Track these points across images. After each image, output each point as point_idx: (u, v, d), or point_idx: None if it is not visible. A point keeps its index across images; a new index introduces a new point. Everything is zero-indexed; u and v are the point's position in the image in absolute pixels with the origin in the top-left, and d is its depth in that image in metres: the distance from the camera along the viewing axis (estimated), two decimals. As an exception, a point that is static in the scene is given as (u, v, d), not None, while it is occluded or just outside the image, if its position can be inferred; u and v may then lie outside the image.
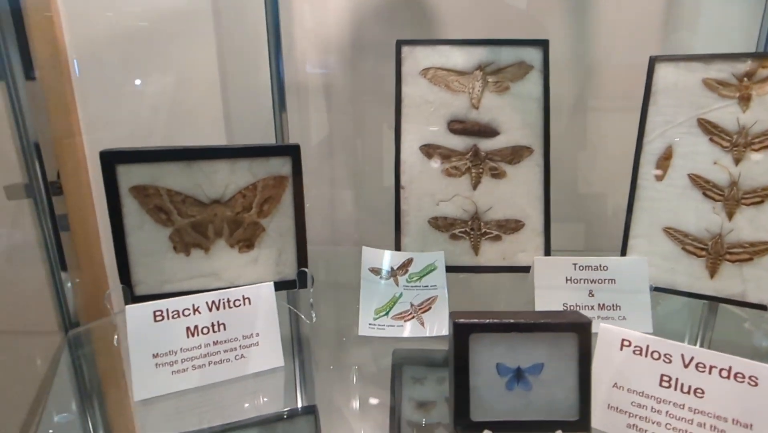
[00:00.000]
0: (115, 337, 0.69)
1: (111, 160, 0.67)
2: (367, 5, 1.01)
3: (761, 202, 0.72)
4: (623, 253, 0.81)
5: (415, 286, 0.76)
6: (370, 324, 0.73)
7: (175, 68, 1.05)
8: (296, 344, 0.77)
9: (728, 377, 0.49)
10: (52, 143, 0.92)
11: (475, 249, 0.83)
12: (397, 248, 0.83)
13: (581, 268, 0.74)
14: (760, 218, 0.72)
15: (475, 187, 0.83)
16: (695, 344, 0.65)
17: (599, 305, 0.73)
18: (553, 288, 0.73)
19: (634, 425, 0.52)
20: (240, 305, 0.65)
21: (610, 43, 0.98)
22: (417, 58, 0.82)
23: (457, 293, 0.79)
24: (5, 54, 0.77)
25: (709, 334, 0.79)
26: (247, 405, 0.62)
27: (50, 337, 0.77)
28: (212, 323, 0.63)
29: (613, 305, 0.73)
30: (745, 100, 0.73)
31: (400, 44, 0.82)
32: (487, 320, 0.47)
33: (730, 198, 0.74)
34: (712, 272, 0.75)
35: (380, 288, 0.76)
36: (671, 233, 0.78)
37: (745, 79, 0.73)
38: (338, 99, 1.09)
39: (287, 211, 0.75)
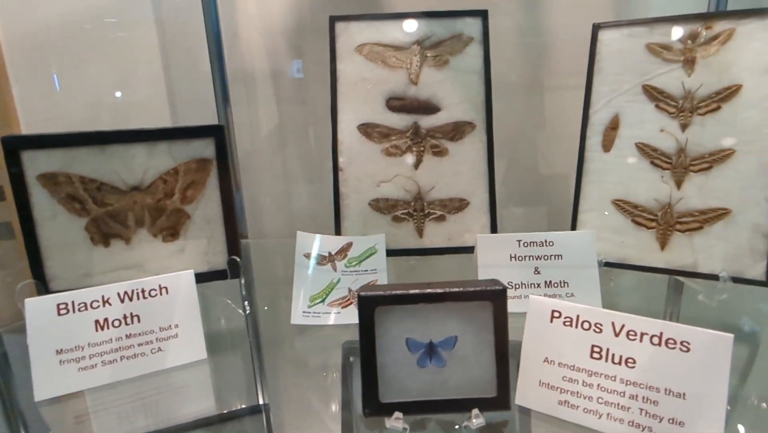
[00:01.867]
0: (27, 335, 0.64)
1: (14, 146, 0.63)
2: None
3: (709, 168, 0.69)
4: (573, 228, 0.77)
5: (355, 270, 0.72)
6: (304, 312, 0.68)
7: (117, 64, 1.01)
8: (237, 338, 0.72)
9: (659, 344, 0.45)
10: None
11: (419, 231, 0.79)
12: (338, 232, 0.79)
13: (526, 244, 0.70)
14: (708, 185, 0.69)
15: (416, 166, 0.79)
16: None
17: (546, 282, 0.69)
18: (496, 266, 0.70)
19: (565, 401, 0.48)
20: (156, 294, 0.60)
21: (560, 14, 0.95)
22: (351, 34, 0.78)
23: (403, 279, 0.75)
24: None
25: (675, 311, 0.74)
26: (172, 402, 0.58)
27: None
28: (124, 315, 0.59)
29: (560, 282, 0.69)
30: (689, 64, 0.70)
31: (333, 20, 0.78)
32: (393, 292, 0.43)
33: (678, 166, 0.71)
34: (663, 243, 0.72)
35: (316, 274, 0.71)
36: (621, 205, 0.75)
37: (689, 41, 0.70)
38: (287, 86, 1.05)
39: (213, 197, 0.70)
